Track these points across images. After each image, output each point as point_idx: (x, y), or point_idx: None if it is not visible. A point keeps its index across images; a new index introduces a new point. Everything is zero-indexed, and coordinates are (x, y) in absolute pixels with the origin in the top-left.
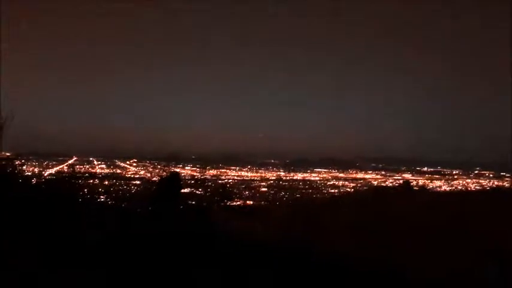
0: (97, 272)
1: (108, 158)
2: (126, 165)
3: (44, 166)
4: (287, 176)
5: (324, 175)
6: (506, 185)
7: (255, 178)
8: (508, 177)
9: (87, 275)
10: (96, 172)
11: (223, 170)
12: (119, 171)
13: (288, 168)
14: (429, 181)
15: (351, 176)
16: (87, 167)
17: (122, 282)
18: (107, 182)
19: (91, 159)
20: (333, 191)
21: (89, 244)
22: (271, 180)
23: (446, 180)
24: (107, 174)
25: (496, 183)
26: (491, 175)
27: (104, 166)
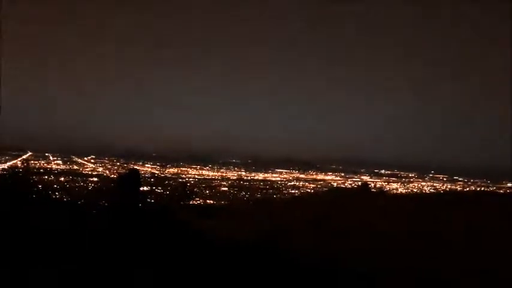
0: (48, 270)
1: (65, 154)
2: (83, 162)
3: None
4: (248, 176)
5: (285, 175)
6: (459, 188)
7: (216, 177)
8: (460, 180)
9: (36, 273)
10: (52, 168)
11: (184, 169)
12: (75, 167)
13: (250, 168)
14: (386, 183)
15: (311, 177)
16: (43, 162)
17: (74, 279)
18: (63, 179)
19: (47, 154)
20: (293, 191)
21: (40, 242)
22: (232, 179)
23: (403, 183)
24: (63, 170)
25: (449, 186)
26: (444, 178)
27: (60, 162)
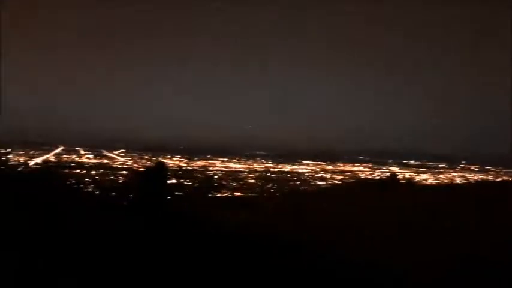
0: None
1: (95, 148)
2: (113, 155)
3: (30, 155)
4: (275, 168)
5: (312, 167)
6: (491, 178)
7: (243, 170)
8: (492, 171)
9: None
10: (82, 162)
11: (211, 161)
12: (105, 161)
13: (277, 160)
14: (416, 174)
15: (339, 168)
16: (74, 156)
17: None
18: (93, 172)
19: (77, 148)
20: (320, 183)
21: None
22: (259, 171)
23: (433, 173)
24: (93, 164)
25: (480, 177)
26: (476, 169)
27: (90, 156)
